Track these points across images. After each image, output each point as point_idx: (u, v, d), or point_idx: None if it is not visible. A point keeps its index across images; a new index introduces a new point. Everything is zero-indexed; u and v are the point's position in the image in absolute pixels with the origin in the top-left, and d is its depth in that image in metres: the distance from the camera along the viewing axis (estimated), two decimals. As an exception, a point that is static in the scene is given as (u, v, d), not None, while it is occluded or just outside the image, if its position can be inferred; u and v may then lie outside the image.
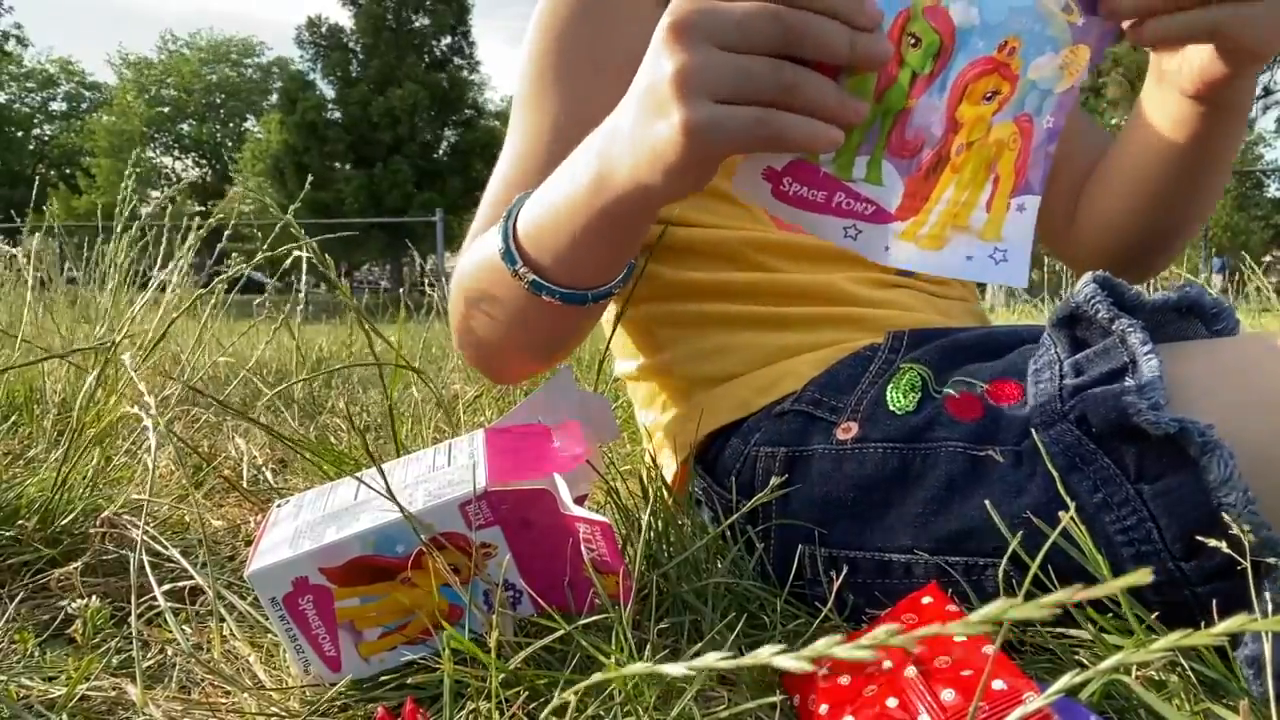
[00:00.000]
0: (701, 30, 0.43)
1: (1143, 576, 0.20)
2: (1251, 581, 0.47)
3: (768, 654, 0.22)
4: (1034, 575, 0.53)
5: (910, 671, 0.45)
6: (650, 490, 0.66)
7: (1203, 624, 0.51)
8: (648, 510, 0.61)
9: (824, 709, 0.46)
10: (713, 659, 0.24)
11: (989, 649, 0.45)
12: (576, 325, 0.69)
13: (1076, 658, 0.53)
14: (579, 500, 0.58)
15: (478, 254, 0.66)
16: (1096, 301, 0.58)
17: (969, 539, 0.58)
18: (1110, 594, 0.21)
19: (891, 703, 0.44)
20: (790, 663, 0.21)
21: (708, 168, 0.47)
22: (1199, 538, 0.49)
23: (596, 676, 0.33)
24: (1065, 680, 0.23)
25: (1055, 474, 0.53)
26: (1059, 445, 0.56)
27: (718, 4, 0.43)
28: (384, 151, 19.66)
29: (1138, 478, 0.53)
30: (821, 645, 0.22)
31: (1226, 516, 0.47)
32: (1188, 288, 0.61)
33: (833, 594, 0.59)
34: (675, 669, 0.25)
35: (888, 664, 0.46)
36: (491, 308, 0.66)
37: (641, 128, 0.47)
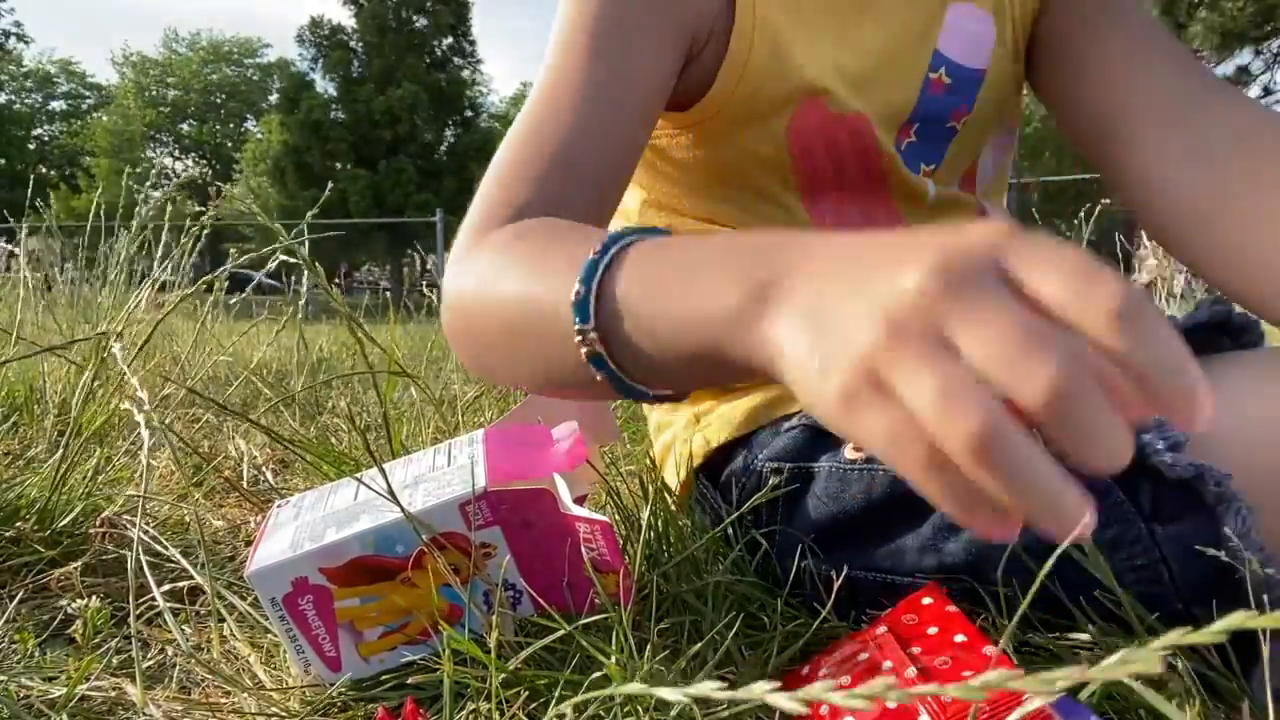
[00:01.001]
0: (947, 314, 0.28)
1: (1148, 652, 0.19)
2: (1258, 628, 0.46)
3: (760, 690, 0.22)
4: (1046, 605, 0.53)
5: (910, 672, 0.45)
6: (650, 490, 0.66)
7: (1202, 622, 0.51)
8: (648, 510, 0.61)
9: (825, 709, 0.46)
10: (708, 687, 0.24)
11: (990, 650, 0.45)
12: (609, 396, 0.51)
13: (1077, 659, 0.53)
14: (579, 500, 0.58)
15: (515, 270, 0.51)
16: None
17: (979, 565, 0.56)
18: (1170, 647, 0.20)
19: (892, 703, 0.44)
20: (785, 703, 0.21)
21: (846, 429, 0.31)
22: (1209, 552, 0.48)
23: (596, 684, 0.33)
24: (1068, 682, 0.23)
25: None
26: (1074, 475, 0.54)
27: (991, 290, 0.27)
28: (384, 151, 19.67)
29: (1152, 517, 0.52)
30: (818, 689, 0.21)
31: (1241, 564, 0.47)
32: (1216, 306, 0.61)
33: (832, 597, 0.59)
34: (671, 694, 0.25)
35: (887, 664, 0.46)
36: (522, 340, 0.50)
37: (805, 328, 0.33)
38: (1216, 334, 0.61)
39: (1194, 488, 0.49)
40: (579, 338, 0.44)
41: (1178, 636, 0.22)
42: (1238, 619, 0.21)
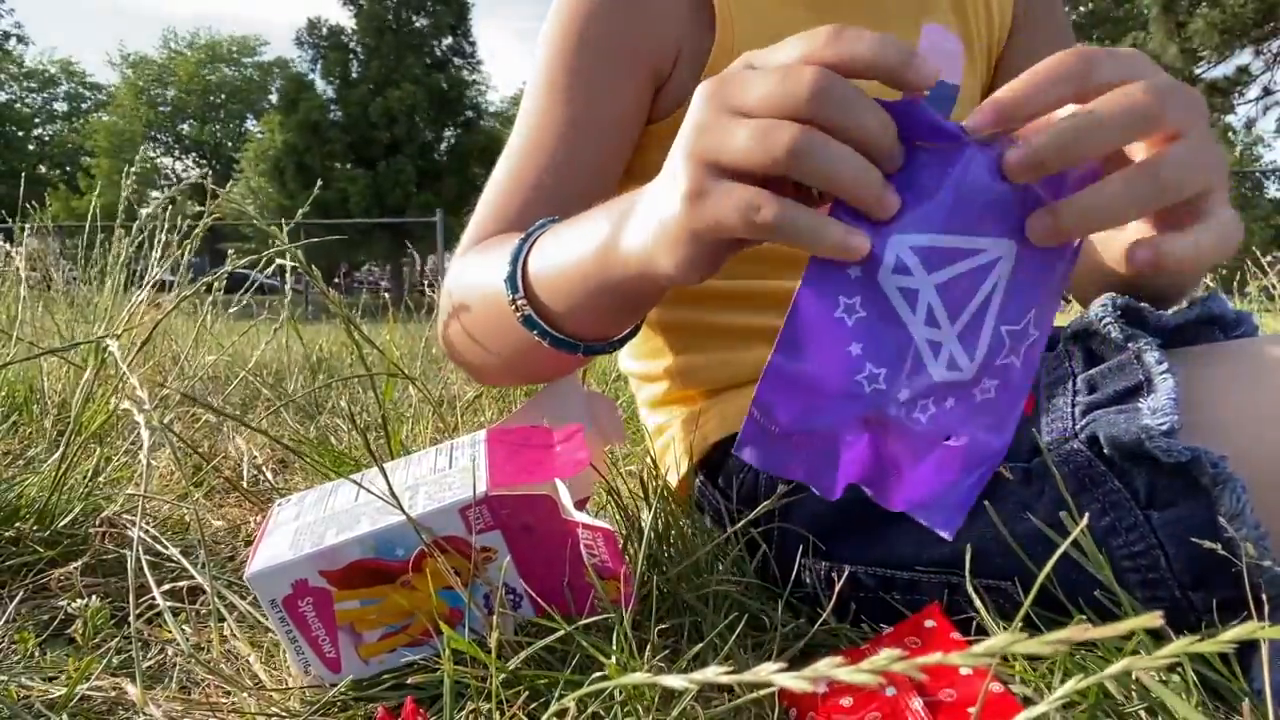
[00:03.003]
0: (723, 96, 0.39)
1: (1152, 620, 0.20)
2: (1254, 611, 0.46)
3: (768, 671, 0.22)
4: (1043, 597, 0.53)
5: (916, 704, 0.44)
6: (651, 490, 0.66)
7: (1203, 627, 0.51)
8: (650, 511, 0.61)
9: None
10: (712, 672, 0.24)
11: (996, 687, 0.44)
12: (565, 365, 0.65)
13: (1078, 660, 0.53)
14: (580, 504, 0.58)
15: (476, 268, 0.63)
16: (1108, 320, 0.57)
17: (976, 558, 0.56)
18: (1120, 634, 0.20)
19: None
20: (791, 681, 0.21)
21: (708, 250, 0.42)
22: (1201, 543, 0.49)
23: (596, 682, 0.33)
24: (1070, 685, 0.23)
25: (1074, 500, 0.52)
26: (1069, 465, 0.55)
27: (748, 73, 0.38)
28: (384, 152, 19.67)
29: (1148, 503, 0.52)
30: (823, 666, 0.21)
31: (1235, 550, 0.47)
32: (1210, 301, 0.61)
33: (833, 599, 0.59)
34: (676, 680, 0.25)
35: (890, 691, 0.46)
36: (479, 326, 0.63)
37: (656, 200, 0.44)
38: (1209, 328, 0.61)
39: (1190, 472, 0.49)
40: (513, 307, 0.56)
41: (1185, 644, 0.22)
42: (1246, 630, 0.21)
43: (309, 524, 0.58)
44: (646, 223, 0.44)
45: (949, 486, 0.42)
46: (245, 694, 0.54)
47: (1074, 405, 0.57)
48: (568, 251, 0.52)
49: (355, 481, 0.61)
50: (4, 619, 0.63)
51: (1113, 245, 0.49)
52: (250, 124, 34.77)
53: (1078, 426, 0.55)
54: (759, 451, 0.42)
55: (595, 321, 0.55)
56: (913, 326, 0.39)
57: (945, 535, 0.42)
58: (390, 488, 0.54)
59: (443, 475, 0.59)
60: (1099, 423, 0.54)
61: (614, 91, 0.70)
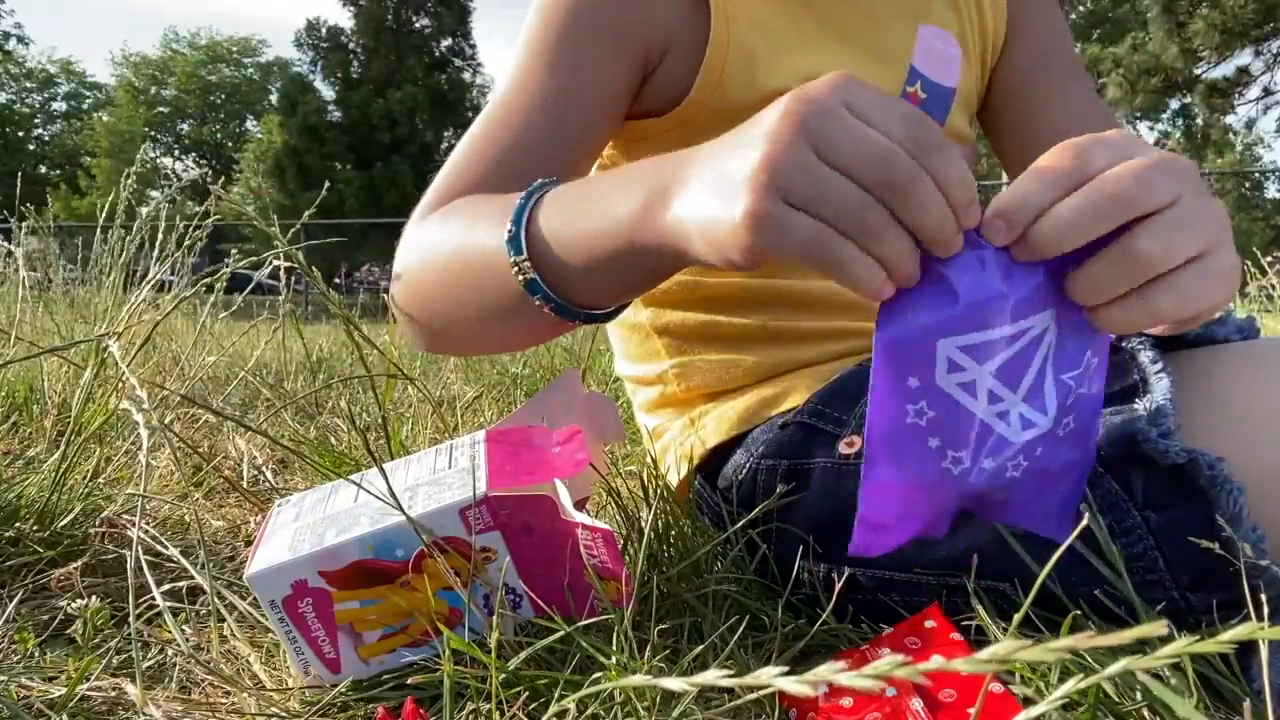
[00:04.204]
0: (815, 133, 0.38)
1: (1158, 629, 0.20)
2: (1253, 612, 0.46)
3: (768, 674, 0.22)
4: (1041, 597, 0.53)
5: (916, 704, 0.44)
6: (650, 490, 0.66)
7: (1204, 626, 0.51)
8: (650, 512, 0.61)
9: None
10: (713, 675, 0.24)
11: (996, 687, 0.44)
12: (544, 333, 0.64)
13: (1078, 659, 0.53)
14: (580, 504, 0.58)
15: (455, 225, 0.60)
16: None
17: (972, 560, 0.56)
18: (1122, 642, 0.21)
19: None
20: (792, 685, 0.21)
21: (757, 258, 0.42)
22: (1198, 542, 0.49)
23: (596, 683, 0.32)
24: (1070, 685, 0.23)
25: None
26: None
27: (844, 114, 0.39)
28: (384, 152, 19.66)
29: (1145, 505, 0.52)
30: (824, 670, 0.21)
31: (1234, 551, 0.47)
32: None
33: (833, 600, 0.59)
34: (675, 683, 0.25)
35: (891, 692, 0.46)
36: (453, 288, 0.60)
37: (706, 193, 0.43)
38: (1208, 330, 0.61)
39: (1187, 473, 0.49)
40: (515, 270, 0.53)
41: (1185, 644, 0.22)
42: (1246, 630, 0.21)
43: (309, 525, 0.58)
44: (692, 212, 0.44)
45: (1046, 502, 0.46)
46: (245, 694, 0.54)
47: None
48: (587, 216, 0.50)
49: (355, 482, 0.61)
50: (4, 619, 0.63)
51: None
52: (250, 124, 34.78)
53: None
54: (875, 544, 0.45)
55: (605, 289, 0.53)
56: (978, 410, 0.42)
57: (1057, 539, 0.45)
58: (390, 488, 0.54)
59: (442, 476, 0.59)
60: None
61: (602, 68, 0.68)
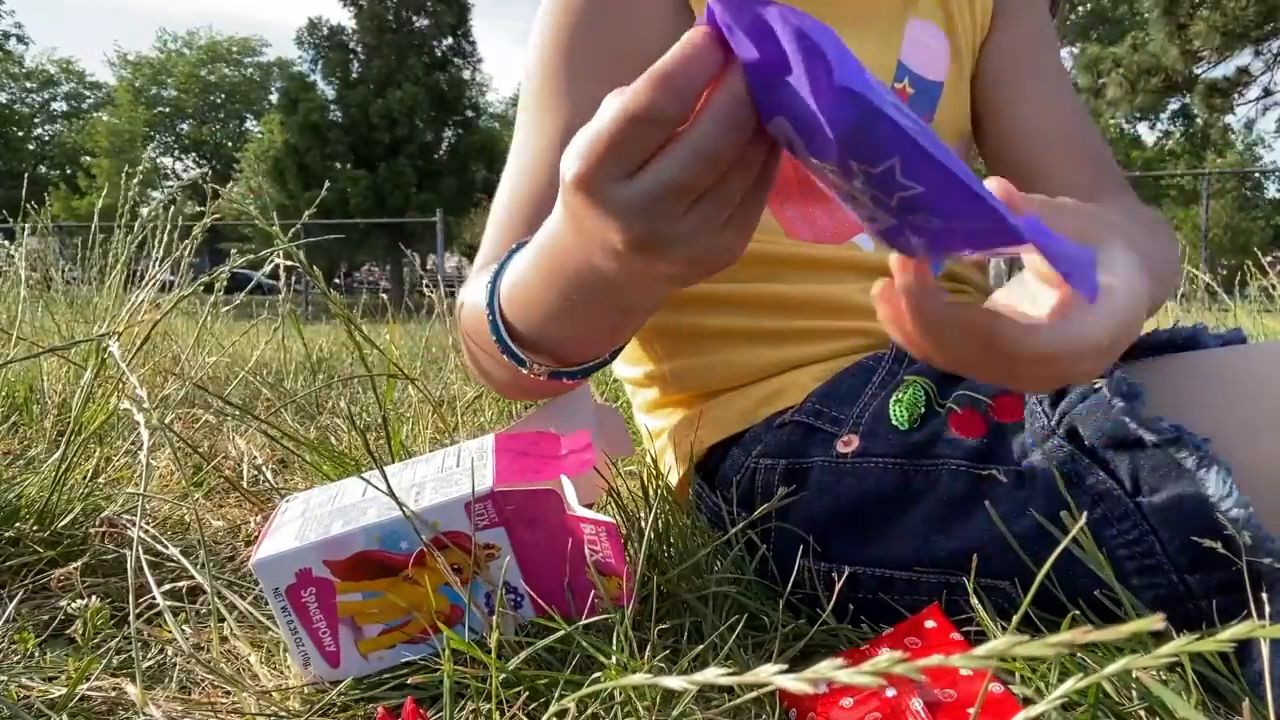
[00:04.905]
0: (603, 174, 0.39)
1: (1155, 623, 0.20)
2: (1251, 592, 0.46)
3: (768, 672, 0.22)
4: (1041, 595, 0.53)
5: (916, 704, 0.44)
6: (651, 491, 0.66)
7: (1204, 626, 0.51)
8: (651, 512, 0.61)
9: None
10: (712, 674, 0.24)
11: (996, 687, 0.44)
12: (556, 386, 0.63)
13: (1078, 659, 0.53)
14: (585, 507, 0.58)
15: (472, 297, 0.62)
16: None
17: (971, 558, 0.57)
18: (1120, 637, 0.21)
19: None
20: (792, 683, 0.21)
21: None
22: (1201, 541, 0.49)
23: (596, 682, 0.33)
24: (1070, 685, 0.23)
25: (1068, 497, 0.53)
26: (1052, 462, 0.55)
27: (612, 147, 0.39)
28: (384, 152, 19.67)
29: (1135, 491, 0.52)
30: (824, 667, 0.21)
31: (1228, 527, 0.47)
32: (1182, 328, 0.61)
33: (833, 600, 0.59)
34: (675, 682, 0.25)
35: (891, 691, 0.46)
36: (483, 354, 0.62)
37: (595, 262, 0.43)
38: (1197, 337, 0.61)
39: (1173, 453, 0.50)
40: (490, 329, 0.55)
41: (1184, 643, 0.22)
42: (1245, 629, 0.21)
43: (316, 517, 0.59)
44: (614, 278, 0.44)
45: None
46: (245, 694, 0.54)
47: (1042, 401, 0.57)
48: (534, 266, 0.51)
49: (362, 477, 0.61)
50: (4, 619, 0.63)
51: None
52: (250, 124, 34.79)
53: (1054, 423, 0.56)
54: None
55: (575, 334, 0.53)
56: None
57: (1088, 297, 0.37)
58: (389, 486, 0.54)
59: (449, 473, 0.60)
60: (1075, 416, 0.54)
61: (600, 100, 0.69)
